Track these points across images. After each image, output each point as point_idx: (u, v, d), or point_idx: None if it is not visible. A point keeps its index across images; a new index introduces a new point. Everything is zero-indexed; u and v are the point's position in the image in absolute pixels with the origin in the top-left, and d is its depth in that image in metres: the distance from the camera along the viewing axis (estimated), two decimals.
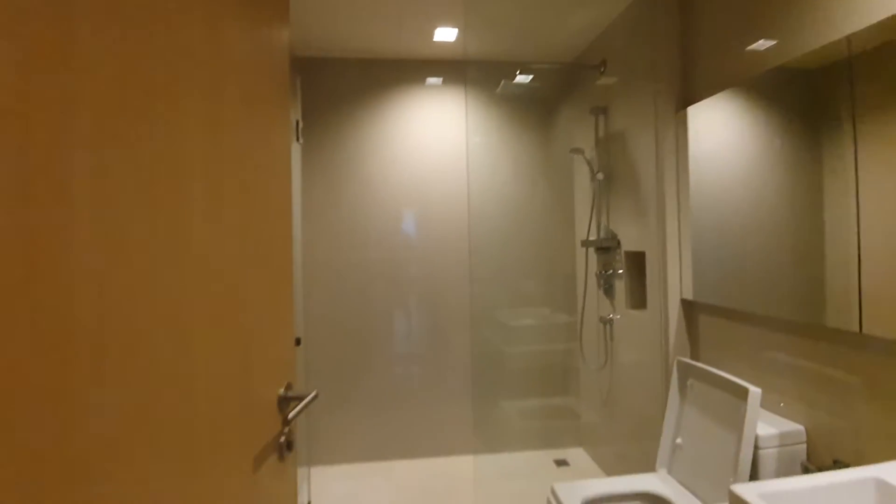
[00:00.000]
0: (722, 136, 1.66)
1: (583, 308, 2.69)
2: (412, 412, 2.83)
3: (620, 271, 2.34)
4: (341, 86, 2.82)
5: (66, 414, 0.40)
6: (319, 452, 2.77)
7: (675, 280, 1.95)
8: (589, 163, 2.58)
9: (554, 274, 2.93)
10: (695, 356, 1.91)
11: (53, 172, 0.40)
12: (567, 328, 2.89)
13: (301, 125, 1.94)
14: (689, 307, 1.94)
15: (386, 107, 2.85)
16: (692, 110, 1.83)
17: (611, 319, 2.43)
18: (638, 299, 2.24)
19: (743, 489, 0.95)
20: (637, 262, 2.23)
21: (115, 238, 0.47)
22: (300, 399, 0.82)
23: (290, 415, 0.76)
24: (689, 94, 1.92)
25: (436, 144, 2.88)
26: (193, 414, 0.59)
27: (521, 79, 2.83)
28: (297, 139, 1.85)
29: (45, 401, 0.38)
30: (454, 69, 2.89)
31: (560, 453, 2.78)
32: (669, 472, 1.70)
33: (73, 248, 0.42)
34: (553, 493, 1.61)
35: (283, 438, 0.81)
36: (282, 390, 0.83)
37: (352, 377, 2.80)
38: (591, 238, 2.54)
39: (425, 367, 2.86)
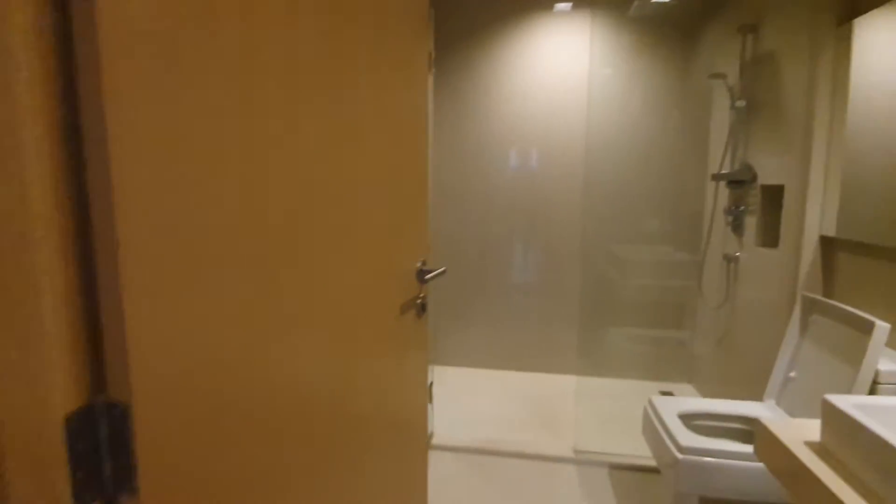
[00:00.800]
0: None
1: (706, 244, 2.59)
2: (522, 330, 3.07)
3: (752, 207, 2.21)
4: (471, 17, 2.91)
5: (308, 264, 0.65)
6: (441, 354, 3.18)
7: (815, 216, 1.81)
8: (730, 89, 2.39)
9: (678, 211, 2.83)
10: (828, 297, 1.79)
11: (300, 88, 0.63)
12: (686, 265, 2.82)
13: (433, 56, 2.11)
14: (828, 245, 1.80)
15: (513, 37, 2.89)
16: (859, 22, 1.61)
17: (736, 257, 2.33)
18: (770, 236, 2.11)
19: (837, 398, 0.91)
20: (773, 196, 2.09)
21: (318, 146, 0.70)
22: (433, 271, 1.05)
23: (427, 277, 0.99)
24: (856, 4, 1.68)
25: (560, 74, 2.87)
26: (364, 268, 0.84)
27: None
28: (430, 69, 2.03)
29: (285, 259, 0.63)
30: None
31: (667, 386, 2.82)
32: (777, 404, 1.69)
33: (297, 144, 0.65)
34: (650, 404, 1.72)
35: (419, 300, 1.06)
36: (419, 264, 1.07)
37: (470, 291, 3.11)
38: (724, 171, 2.40)
39: (537, 291, 3.05)
